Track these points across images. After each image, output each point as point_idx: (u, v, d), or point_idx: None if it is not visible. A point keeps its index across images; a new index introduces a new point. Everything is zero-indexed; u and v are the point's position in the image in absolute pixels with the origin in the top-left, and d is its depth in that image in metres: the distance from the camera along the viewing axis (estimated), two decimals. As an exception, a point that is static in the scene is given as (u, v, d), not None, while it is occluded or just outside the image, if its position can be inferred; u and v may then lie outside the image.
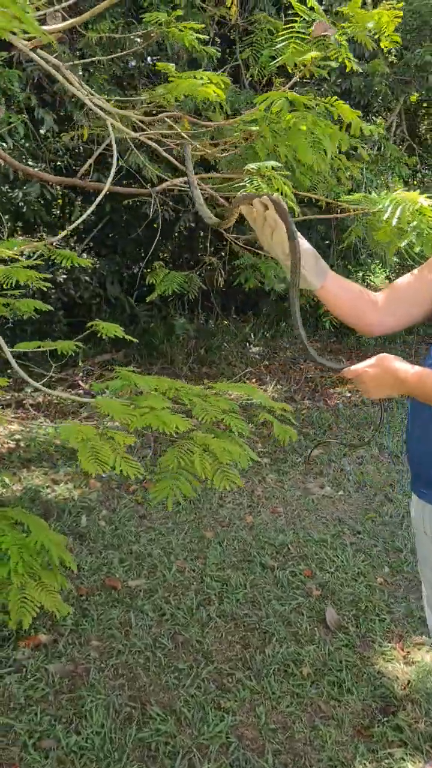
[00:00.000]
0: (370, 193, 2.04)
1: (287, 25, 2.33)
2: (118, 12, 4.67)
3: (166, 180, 4.32)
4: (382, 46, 1.85)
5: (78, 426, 1.97)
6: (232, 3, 3.23)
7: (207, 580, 3.02)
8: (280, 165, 2.38)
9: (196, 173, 4.21)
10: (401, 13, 1.79)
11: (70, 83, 1.62)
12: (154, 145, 1.83)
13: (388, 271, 8.53)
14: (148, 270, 7.30)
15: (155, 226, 6.25)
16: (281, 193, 2.35)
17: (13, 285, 2.14)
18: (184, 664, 2.50)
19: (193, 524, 3.51)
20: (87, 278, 6.45)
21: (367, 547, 3.23)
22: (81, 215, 5.55)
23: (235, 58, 5.08)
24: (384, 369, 1.48)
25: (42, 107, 4.31)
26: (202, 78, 1.71)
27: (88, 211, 1.60)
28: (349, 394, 5.56)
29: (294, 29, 2.29)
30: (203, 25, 1.99)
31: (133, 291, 6.98)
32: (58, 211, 7.00)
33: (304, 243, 1.48)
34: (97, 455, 1.88)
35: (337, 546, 3.24)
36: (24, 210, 5.52)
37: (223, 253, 5.19)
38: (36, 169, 4.73)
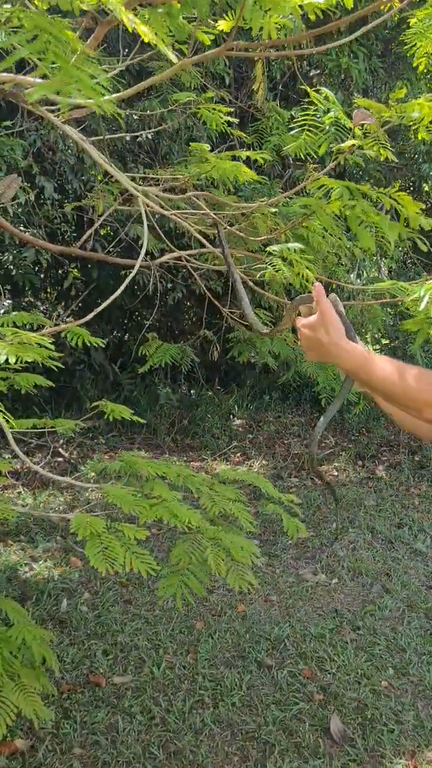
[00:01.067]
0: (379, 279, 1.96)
1: (303, 113, 2.29)
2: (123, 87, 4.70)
3: (165, 252, 4.24)
4: (420, 137, 1.79)
5: (86, 518, 1.79)
6: (259, 87, 3.24)
7: (199, 679, 2.78)
8: (303, 248, 2.30)
9: (194, 248, 4.12)
10: (442, 105, 1.73)
11: (97, 157, 1.52)
12: (184, 223, 1.73)
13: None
14: (132, 338, 7.20)
15: (138, 293, 6.19)
16: (303, 277, 2.25)
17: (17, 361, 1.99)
18: (179, 781, 2.25)
19: (182, 612, 3.27)
20: (72, 343, 6.30)
21: (369, 645, 3.02)
22: (72, 281, 5.44)
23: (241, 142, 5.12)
24: (317, 337, 1.25)
25: (42, 175, 4.26)
26: (239, 158, 1.62)
27: (119, 291, 1.47)
28: (336, 473, 5.42)
29: (308, 118, 2.26)
30: (231, 109, 1.93)
31: (118, 358, 6.85)
32: (42, 275, 6.91)
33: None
34: (106, 552, 1.70)
35: (337, 643, 3.03)
36: (13, 273, 5.41)
37: (217, 327, 5.12)
38: (29, 235, 4.64)
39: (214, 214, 1.87)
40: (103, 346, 1.84)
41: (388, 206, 1.62)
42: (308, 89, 2.30)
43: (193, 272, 3.97)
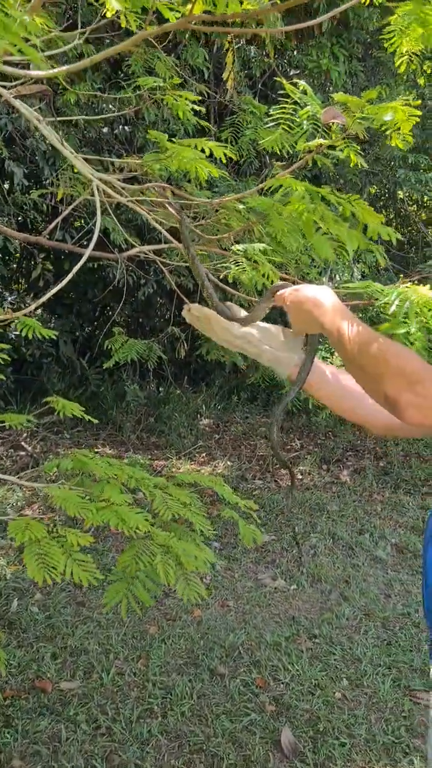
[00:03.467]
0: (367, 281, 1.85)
1: (279, 107, 2.18)
2: (99, 77, 4.55)
3: (134, 246, 4.09)
4: (393, 143, 1.68)
5: (26, 522, 1.66)
6: (229, 76, 3.11)
7: (149, 687, 2.66)
8: (269, 248, 2.18)
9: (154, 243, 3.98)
10: (419, 113, 1.63)
11: (56, 141, 1.40)
12: (144, 213, 1.60)
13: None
14: (101, 333, 7.05)
15: (111, 288, 6.04)
16: (267, 278, 2.14)
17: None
18: (121, 797, 2.13)
19: (136, 616, 3.15)
20: (39, 336, 6.14)
21: (324, 654, 2.93)
22: (42, 273, 5.28)
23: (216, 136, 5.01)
24: (302, 296, 1.21)
25: (12, 161, 4.09)
26: (203, 150, 1.51)
27: (70, 277, 1.35)
28: (301, 476, 5.34)
29: (285, 112, 2.15)
30: (199, 97, 1.81)
31: (86, 353, 6.70)
32: (14, 265, 6.73)
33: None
34: (44, 559, 1.58)
35: (292, 651, 2.93)
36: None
37: (187, 324, 5.00)
38: (-2, 223, 4.47)
39: (180, 206, 1.75)
40: (55, 337, 1.71)
41: (348, 213, 1.51)
42: (284, 81, 2.19)
43: (163, 267, 3.85)
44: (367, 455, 5.77)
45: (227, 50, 3.21)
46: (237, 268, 2.13)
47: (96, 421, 2.10)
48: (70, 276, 1.33)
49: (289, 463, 5.54)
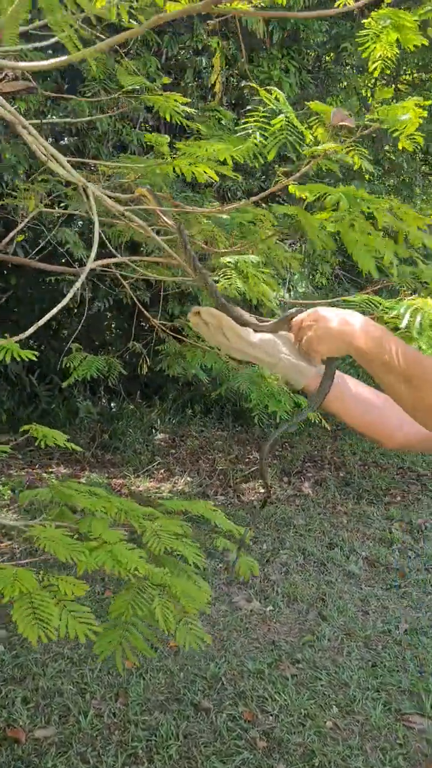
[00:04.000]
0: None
1: (250, 115, 2.06)
2: (50, 86, 4.35)
3: (97, 260, 3.88)
4: (401, 146, 1.58)
5: (14, 572, 1.47)
6: (216, 80, 2.96)
7: (131, 728, 2.47)
8: (261, 261, 2.06)
9: (123, 256, 3.80)
10: (425, 113, 1.54)
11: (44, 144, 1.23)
12: (139, 222, 1.45)
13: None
14: (50, 348, 6.78)
15: (59, 301, 5.81)
16: (261, 294, 2.02)
17: None
18: None
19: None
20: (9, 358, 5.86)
21: (310, 681, 2.80)
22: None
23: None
24: (325, 325, 1.10)
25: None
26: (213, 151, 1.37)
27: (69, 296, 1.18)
28: (263, 490, 5.22)
29: (257, 120, 2.03)
30: (189, 99, 1.67)
31: (35, 369, 6.43)
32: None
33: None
34: (37, 613, 1.40)
35: (277, 679, 2.80)
36: None
37: (145, 339, 4.84)
38: None
39: (173, 213, 1.60)
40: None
41: (381, 221, 1.40)
42: (258, 88, 2.08)
43: (123, 281, 3.69)
44: (327, 466, 5.71)
45: (215, 51, 3.08)
46: (226, 280, 2.00)
47: (79, 449, 1.92)
48: (77, 284, 1.16)
49: (258, 479, 5.42)
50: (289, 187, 1.61)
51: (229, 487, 5.27)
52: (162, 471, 5.58)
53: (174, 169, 1.49)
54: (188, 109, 1.63)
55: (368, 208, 1.37)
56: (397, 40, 2.08)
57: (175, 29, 4.85)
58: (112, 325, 7.30)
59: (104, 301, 5.56)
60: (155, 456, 5.87)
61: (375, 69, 2.24)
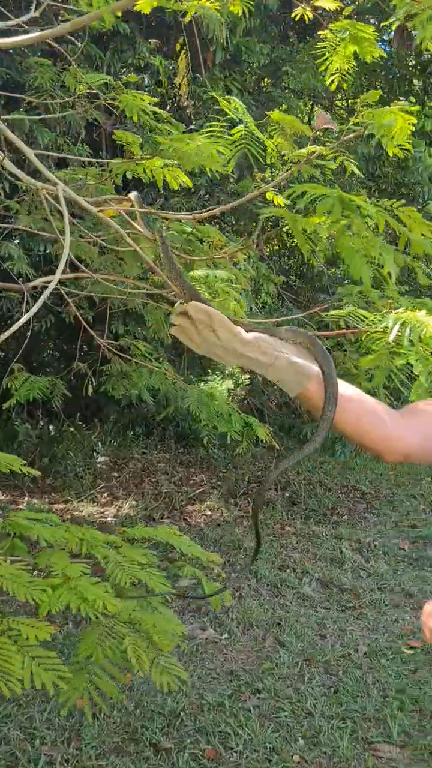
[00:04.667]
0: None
1: (210, 125, 1.97)
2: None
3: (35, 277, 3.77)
4: (390, 153, 1.50)
5: (-30, 618, 1.29)
6: (182, 82, 2.83)
7: (87, 776, 2.28)
8: (232, 277, 1.96)
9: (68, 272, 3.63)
10: (415, 120, 1.47)
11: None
12: (117, 227, 1.30)
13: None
14: (-14, 369, 6.47)
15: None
16: (233, 312, 1.91)
17: None
18: None
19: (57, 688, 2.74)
20: None
21: (273, 711, 2.67)
22: None
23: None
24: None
25: None
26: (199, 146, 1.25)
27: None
28: (209, 512, 5.09)
29: (214, 129, 1.94)
30: (157, 99, 1.56)
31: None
32: None
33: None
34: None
35: (239, 711, 2.65)
36: None
37: (89, 359, 4.65)
38: None
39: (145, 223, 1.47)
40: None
41: (383, 225, 1.30)
42: (219, 98, 1.99)
43: (68, 298, 3.52)
44: (272, 486, 5.62)
45: (180, 52, 2.97)
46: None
47: (38, 473, 1.75)
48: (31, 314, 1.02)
49: (204, 502, 5.28)
50: (267, 194, 1.51)
51: (175, 509, 5.11)
52: (105, 495, 5.37)
53: (144, 171, 1.36)
54: (158, 110, 1.50)
55: (366, 214, 1.28)
56: (355, 53, 2.03)
57: (117, 46, 4.75)
58: (51, 346, 7.05)
59: (45, 321, 5.33)
60: (97, 479, 5.66)
61: (332, 82, 2.18)
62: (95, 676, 1.51)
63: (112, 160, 1.36)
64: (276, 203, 1.56)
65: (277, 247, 7.69)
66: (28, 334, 6.11)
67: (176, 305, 1.07)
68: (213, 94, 1.98)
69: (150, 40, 4.97)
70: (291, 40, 6.34)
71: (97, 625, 1.49)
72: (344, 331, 1.47)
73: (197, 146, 1.26)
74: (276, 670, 2.95)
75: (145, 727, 2.54)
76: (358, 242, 1.22)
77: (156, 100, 1.54)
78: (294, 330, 1.07)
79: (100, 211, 1.32)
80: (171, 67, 4.91)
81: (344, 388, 1.10)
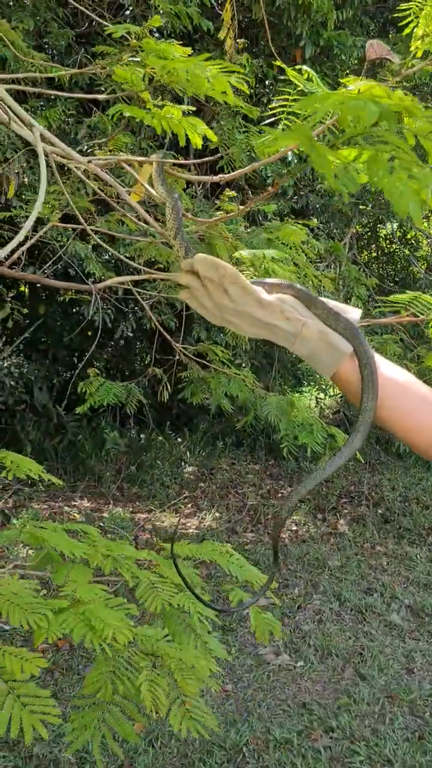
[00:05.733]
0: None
1: (280, 98, 1.73)
2: (71, 103, 4.13)
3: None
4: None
5: None
6: (227, 35, 2.61)
7: None
8: (285, 256, 1.72)
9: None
10: None
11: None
12: (112, 180, 1.09)
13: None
14: (81, 378, 6.52)
15: (89, 333, 5.54)
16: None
17: None
18: None
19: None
20: (12, 382, 5.60)
21: (346, 754, 2.35)
22: (11, 313, 4.77)
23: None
24: None
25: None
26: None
27: None
28: (295, 527, 4.79)
29: (285, 105, 1.70)
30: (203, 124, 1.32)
31: (63, 399, 6.15)
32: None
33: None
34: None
35: (308, 751, 2.35)
36: None
37: (168, 364, 4.52)
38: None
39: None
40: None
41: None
42: (286, 68, 1.75)
43: (142, 301, 3.38)
44: (364, 502, 5.25)
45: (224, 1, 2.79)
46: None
47: (59, 482, 1.58)
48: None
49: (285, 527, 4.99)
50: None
51: (259, 523, 4.86)
52: (189, 505, 5.20)
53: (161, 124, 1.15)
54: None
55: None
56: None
57: (204, 46, 4.61)
58: (144, 355, 7.01)
59: (129, 326, 5.25)
60: (183, 489, 5.50)
61: (417, 50, 1.89)
62: (108, 713, 1.30)
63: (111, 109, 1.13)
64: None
65: (375, 254, 7.32)
66: (121, 341, 6.08)
67: (183, 262, 0.84)
68: (278, 63, 1.74)
69: (238, 40, 4.80)
70: (390, 35, 6.00)
71: (109, 659, 1.28)
72: (402, 318, 1.19)
73: (207, 76, 1.03)
74: (354, 707, 2.62)
75: (203, 761, 2.30)
76: (401, 180, 0.92)
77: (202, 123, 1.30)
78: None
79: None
80: (260, 66, 4.72)
81: (390, 370, 0.84)
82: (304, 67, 1.83)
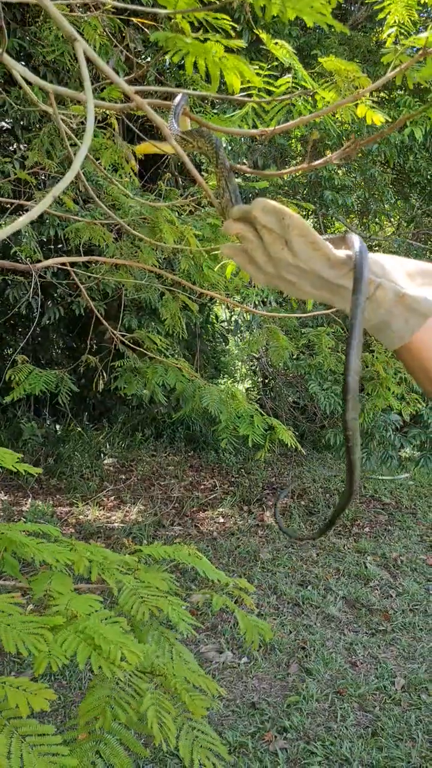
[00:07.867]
0: None
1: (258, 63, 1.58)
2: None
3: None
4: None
5: None
6: None
7: None
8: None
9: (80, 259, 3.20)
10: None
11: None
12: (150, 110, 0.89)
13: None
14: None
15: (8, 312, 5.16)
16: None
17: None
18: None
19: (62, 713, 2.33)
20: None
21: (303, 756, 2.24)
22: None
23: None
24: None
25: None
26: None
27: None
28: (222, 520, 4.66)
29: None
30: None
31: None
32: None
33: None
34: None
35: (264, 754, 2.22)
36: None
37: (90, 352, 4.25)
38: None
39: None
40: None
41: None
42: (266, 39, 1.59)
43: (81, 285, 3.13)
44: (288, 493, 5.20)
45: None
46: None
47: (37, 471, 1.35)
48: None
49: (208, 518, 4.85)
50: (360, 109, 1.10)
51: (185, 516, 4.69)
52: (112, 498, 4.96)
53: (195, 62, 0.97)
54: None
55: None
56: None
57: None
58: (60, 343, 6.66)
59: (54, 312, 4.93)
60: (104, 482, 5.25)
61: (388, 36, 1.78)
62: (104, 744, 1.11)
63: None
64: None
65: None
66: (38, 327, 5.71)
67: (233, 209, 0.65)
68: (258, 32, 1.58)
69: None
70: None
71: (106, 681, 1.08)
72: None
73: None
74: (304, 704, 2.52)
75: (158, 765, 2.12)
76: None
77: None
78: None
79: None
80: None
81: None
82: (281, 41, 1.65)
